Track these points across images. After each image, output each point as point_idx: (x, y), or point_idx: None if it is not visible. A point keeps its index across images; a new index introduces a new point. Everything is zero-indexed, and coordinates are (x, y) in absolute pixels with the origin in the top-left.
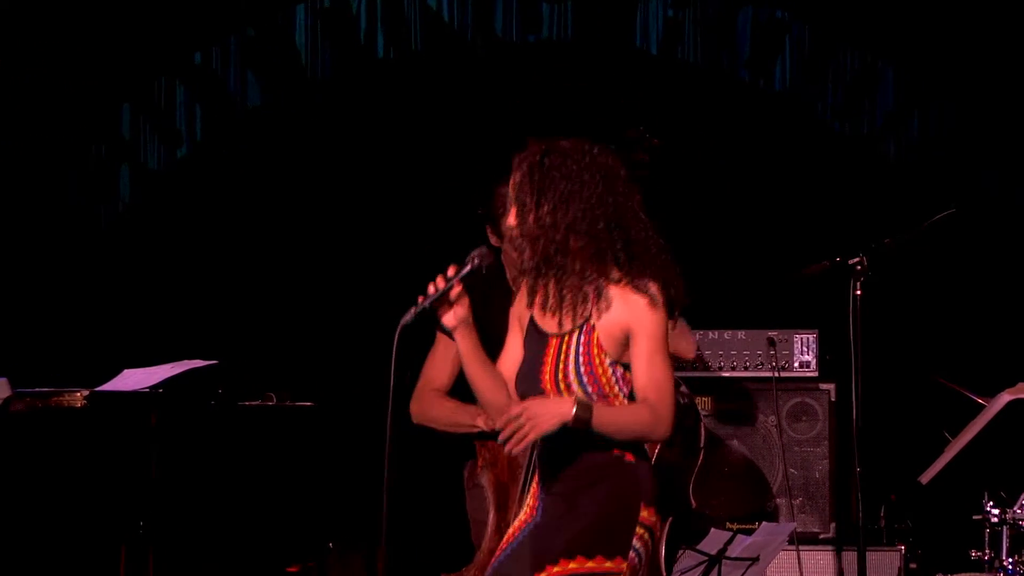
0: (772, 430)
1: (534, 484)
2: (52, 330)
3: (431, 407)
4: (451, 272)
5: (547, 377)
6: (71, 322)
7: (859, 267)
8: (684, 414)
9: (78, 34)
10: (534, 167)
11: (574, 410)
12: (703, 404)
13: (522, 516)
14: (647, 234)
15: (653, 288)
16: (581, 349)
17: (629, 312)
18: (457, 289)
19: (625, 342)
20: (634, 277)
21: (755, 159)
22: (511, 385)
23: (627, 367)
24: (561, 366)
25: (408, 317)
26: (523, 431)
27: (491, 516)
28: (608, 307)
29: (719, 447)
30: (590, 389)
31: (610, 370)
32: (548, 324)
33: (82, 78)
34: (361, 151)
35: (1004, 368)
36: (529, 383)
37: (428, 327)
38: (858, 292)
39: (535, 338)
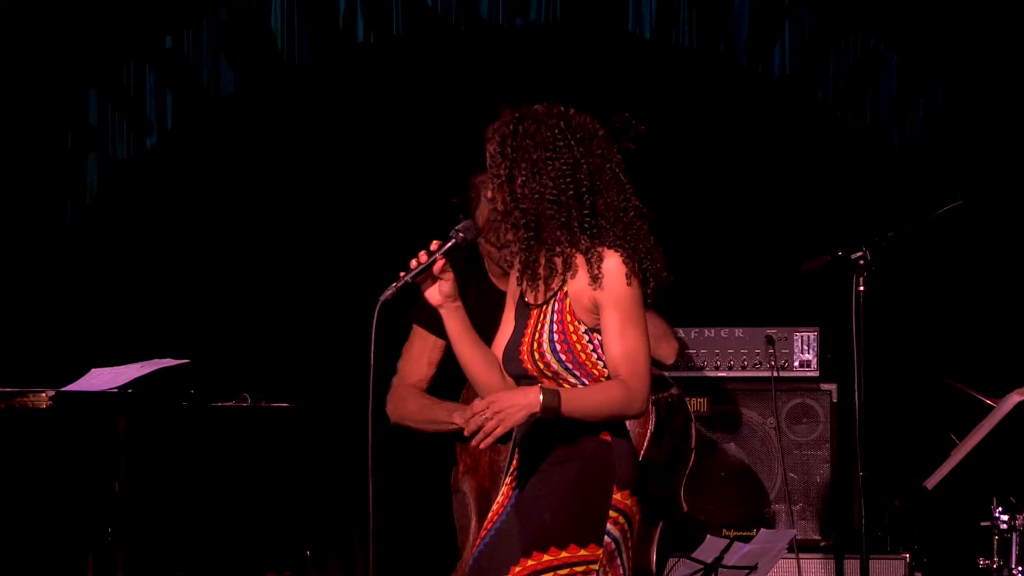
0: (771, 432)
1: (513, 463)
2: (16, 327)
3: (406, 403)
4: (434, 247)
5: (525, 350)
6: (36, 319)
7: (862, 262)
8: (674, 414)
9: (42, 16)
10: (507, 137)
11: (541, 399)
12: (698, 405)
13: (499, 500)
14: (624, 198)
15: (619, 257)
16: (555, 318)
17: (595, 282)
18: (440, 264)
19: (596, 311)
20: (601, 244)
21: (753, 148)
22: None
23: None
24: (537, 338)
25: (389, 293)
26: (489, 426)
27: (473, 523)
28: (575, 275)
29: (715, 450)
30: (564, 358)
31: (585, 338)
32: (531, 297)
33: (47, 62)
34: (339, 140)
35: (1014, 368)
36: (511, 359)
37: (403, 320)
38: (861, 288)
39: (522, 312)
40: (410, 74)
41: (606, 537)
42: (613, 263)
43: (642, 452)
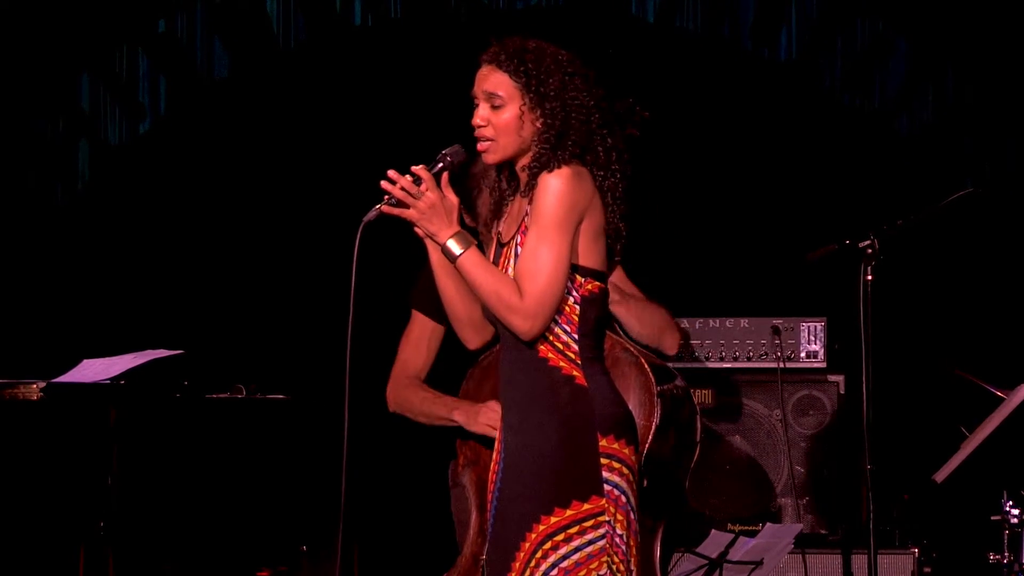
0: (777, 425)
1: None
2: (5, 317)
3: (406, 394)
4: (420, 171)
5: None
6: (26, 308)
7: (870, 250)
8: (679, 406)
9: None
10: (523, 53)
11: (450, 239)
12: (703, 397)
13: (492, 467)
14: (620, 151)
15: (568, 172)
16: (520, 251)
17: (530, 200)
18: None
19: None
20: (562, 163)
21: (758, 134)
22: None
23: (573, 268)
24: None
25: (371, 215)
26: (398, 194)
27: (473, 517)
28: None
29: (720, 443)
30: None
31: None
32: (503, 233)
33: (38, 46)
34: (336, 125)
35: None
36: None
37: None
38: (869, 277)
39: (497, 252)
40: (409, 58)
41: (606, 486)
42: (553, 180)
43: (646, 446)
